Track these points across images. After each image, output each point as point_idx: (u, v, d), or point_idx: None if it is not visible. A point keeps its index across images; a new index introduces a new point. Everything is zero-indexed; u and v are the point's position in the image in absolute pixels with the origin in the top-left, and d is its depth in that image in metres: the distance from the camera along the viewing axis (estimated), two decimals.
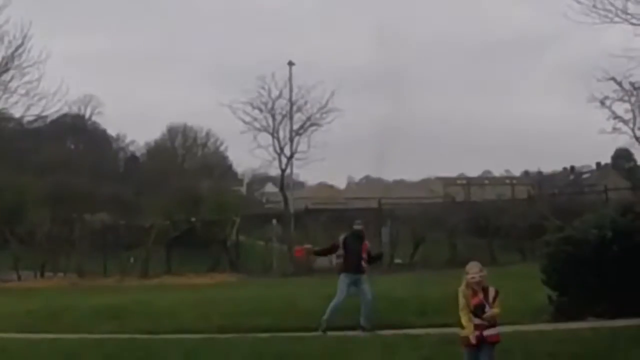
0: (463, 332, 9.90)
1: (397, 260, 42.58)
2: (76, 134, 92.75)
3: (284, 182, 52.95)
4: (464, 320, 9.78)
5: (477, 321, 9.79)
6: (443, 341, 14.82)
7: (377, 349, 14.76)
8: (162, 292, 31.50)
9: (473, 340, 9.76)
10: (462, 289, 9.86)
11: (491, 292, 9.92)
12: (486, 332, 9.84)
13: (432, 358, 13.35)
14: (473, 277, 9.80)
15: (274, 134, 54.03)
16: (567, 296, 17.96)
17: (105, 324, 21.41)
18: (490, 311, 9.82)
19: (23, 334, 20.49)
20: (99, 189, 65.38)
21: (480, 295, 9.83)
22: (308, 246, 20.98)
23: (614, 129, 53.92)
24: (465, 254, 40.60)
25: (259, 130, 54.45)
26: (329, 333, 17.61)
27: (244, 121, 54.59)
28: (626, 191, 55.44)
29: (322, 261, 42.27)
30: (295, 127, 53.86)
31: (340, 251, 18.64)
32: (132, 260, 45.62)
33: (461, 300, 9.80)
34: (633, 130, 54.00)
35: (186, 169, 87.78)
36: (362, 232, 19.10)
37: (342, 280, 18.31)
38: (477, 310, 9.81)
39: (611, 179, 74.85)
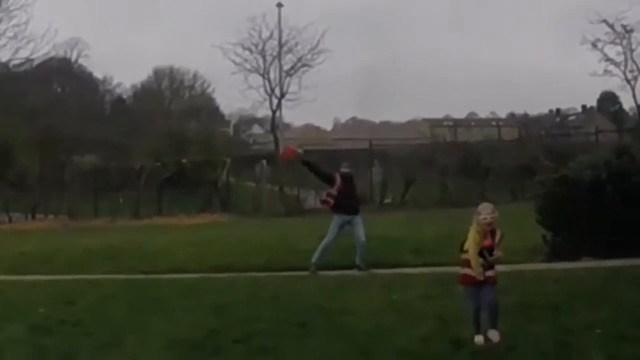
0: (468, 271, 9.87)
1: (387, 200, 42.81)
2: (62, 77, 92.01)
3: (274, 123, 52.99)
4: (474, 260, 9.75)
5: (481, 261, 9.80)
6: (439, 280, 14.87)
7: (374, 287, 14.80)
8: (154, 232, 31.49)
9: (481, 278, 9.78)
10: (474, 227, 9.82)
11: (498, 234, 9.92)
12: (487, 273, 9.87)
13: (429, 296, 13.36)
14: (485, 218, 9.77)
15: (265, 75, 54.11)
16: (561, 236, 18.07)
17: (99, 264, 21.48)
18: (497, 254, 9.85)
19: (17, 276, 20.53)
20: (87, 131, 65.06)
21: (489, 237, 9.83)
22: (300, 151, 20.36)
23: (606, 71, 54.28)
24: (455, 194, 40.90)
25: (250, 71, 54.54)
26: (326, 272, 17.67)
27: (234, 62, 54.69)
28: (612, 133, 55.64)
29: (311, 201, 42.56)
30: (286, 68, 53.94)
31: (333, 191, 18.48)
32: (121, 201, 45.71)
33: (474, 239, 9.75)
34: (624, 72, 54.32)
35: (173, 111, 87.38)
36: (351, 174, 19.01)
37: (336, 222, 18.25)
38: (486, 252, 9.81)
39: (597, 122, 74.99)
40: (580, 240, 17.64)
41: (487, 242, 9.79)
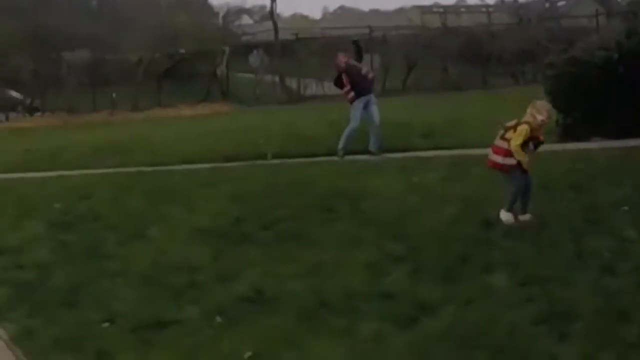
0: (513, 161, 9.71)
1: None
2: None
3: (273, 10, 52.16)
4: (520, 154, 9.60)
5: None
6: (455, 163, 14.88)
7: (392, 171, 14.80)
8: (157, 124, 31.45)
9: (527, 167, 9.77)
10: (529, 123, 9.69)
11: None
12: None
13: (449, 178, 13.33)
14: (543, 120, 9.71)
15: None
16: (572, 117, 18.05)
17: (107, 159, 21.23)
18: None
19: (26, 173, 20.34)
20: (76, 27, 64.34)
21: (541, 133, 9.82)
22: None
23: None
24: (457, 78, 40.92)
25: None
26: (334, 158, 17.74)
27: None
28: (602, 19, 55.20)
29: (312, 89, 42.55)
30: None
31: (347, 86, 18.30)
32: (114, 95, 45.47)
33: (525, 135, 9.64)
34: None
35: (161, 4, 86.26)
36: (348, 62, 18.72)
37: (357, 107, 18.06)
38: (532, 145, 9.80)
39: (586, 7, 74.21)
40: (591, 121, 17.63)
41: (542, 138, 9.82)
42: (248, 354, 6.48)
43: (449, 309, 7.04)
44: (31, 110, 47.29)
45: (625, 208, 10.11)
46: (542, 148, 9.63)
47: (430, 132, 19.81)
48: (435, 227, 9.98)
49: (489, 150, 10.18)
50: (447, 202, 11.29)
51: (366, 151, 17.80)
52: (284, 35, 51.84)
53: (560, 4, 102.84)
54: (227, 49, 46.87)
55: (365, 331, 6.71)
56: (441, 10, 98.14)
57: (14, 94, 48.67)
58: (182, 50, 48.35)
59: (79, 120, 40.56)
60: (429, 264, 8.42)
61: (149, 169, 18.77)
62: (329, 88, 36.17)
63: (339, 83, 18.44)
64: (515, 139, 9.63)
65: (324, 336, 6.72)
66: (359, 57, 19.38)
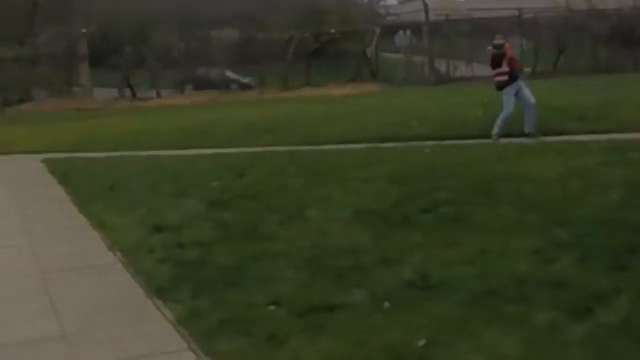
0: None
1: (527, 69, 42.33)
2: None
3: None
4: None
5: None
6: (614, 147, 14.55)
7: (549, 154, 14.53)
8: (307, 104, 31.50)
9: None
10: None
11: None
12: None
13: (609, 163, 12.99)
14: None
15: None
16: None
17: (259, 137, 21.45)
18: None
19: (179, 150, 20.73)
20: (223, 6, 65.01)
21: None
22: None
23: None
24: (608, 61, 40.03)
25: None
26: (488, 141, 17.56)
27: None
28: None
29: (462, 71, 42.12)
30: None
31: (505, 68, 18.09)
32: (261, 75, 45.78)
33: None
34: None
35: None
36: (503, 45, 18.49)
37: (509, 93, 17.91)
38: None
39: None
40: None
41: None
42: (422, 341, 6.33)
43: (623, 300, 6.83)
44: (244, 87, 47.81)
45: None
46: None
47: (585, 116, 19.40)
48: (600, 213, 9.74)
49: None
50: (610, 188, 11.02)
51: (521, 134, 17.54)
52: (429, 16, 51.56)
53: None
54: (377, 30, 46.69)
55: (540, 320, 6.54)
56: None
57: (231, 74, 49.44)
58: (332, 30, 48.28)
59: (228, 98, 41.07)
60: (597, 252, 8.19)
61: (302, 148, 18.87)
62: (479, 69, 35.85)
63: (496, 64, 18.17)
64: None
65: (497, 324, 6.55)
66: None
